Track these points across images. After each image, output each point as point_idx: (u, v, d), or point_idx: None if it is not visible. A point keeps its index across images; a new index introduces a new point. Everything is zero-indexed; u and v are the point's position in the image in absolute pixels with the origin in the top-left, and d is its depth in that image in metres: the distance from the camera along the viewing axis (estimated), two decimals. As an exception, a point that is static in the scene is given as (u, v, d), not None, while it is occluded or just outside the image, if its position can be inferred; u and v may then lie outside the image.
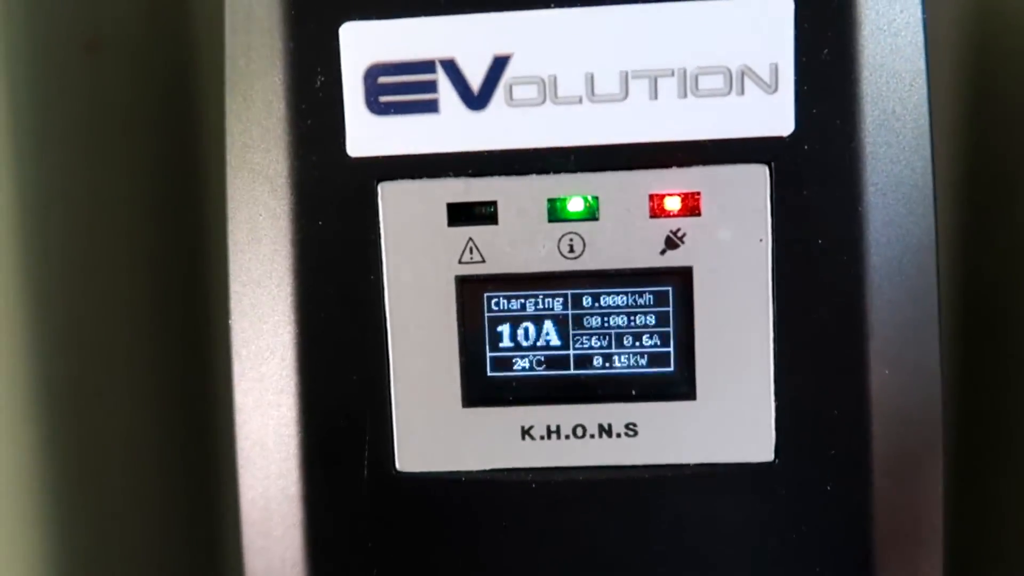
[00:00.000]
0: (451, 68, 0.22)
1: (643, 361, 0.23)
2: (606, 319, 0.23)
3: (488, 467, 0.23)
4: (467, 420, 0.23)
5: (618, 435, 0.23)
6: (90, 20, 0.32)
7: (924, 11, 0.22)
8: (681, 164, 0.22)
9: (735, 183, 0.22)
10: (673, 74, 0.22)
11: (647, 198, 0.22)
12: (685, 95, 0.22)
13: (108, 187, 0.33)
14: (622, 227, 0.22)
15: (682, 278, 0.23)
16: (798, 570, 0.23)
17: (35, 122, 0.29)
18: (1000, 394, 0.35)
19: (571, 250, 0.23)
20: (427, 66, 0.22)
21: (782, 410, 0.23)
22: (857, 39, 0.22)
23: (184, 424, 0.37)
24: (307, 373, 0.23)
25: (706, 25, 0.21)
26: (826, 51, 0.22)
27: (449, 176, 0.22)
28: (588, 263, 0.23)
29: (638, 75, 0.22)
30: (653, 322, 0.23)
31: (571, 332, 0.23)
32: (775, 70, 0.22)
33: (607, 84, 0.22)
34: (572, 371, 0.23)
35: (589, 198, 0.22)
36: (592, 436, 0.23)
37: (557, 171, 0.22)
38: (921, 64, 0.22)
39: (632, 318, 0.23)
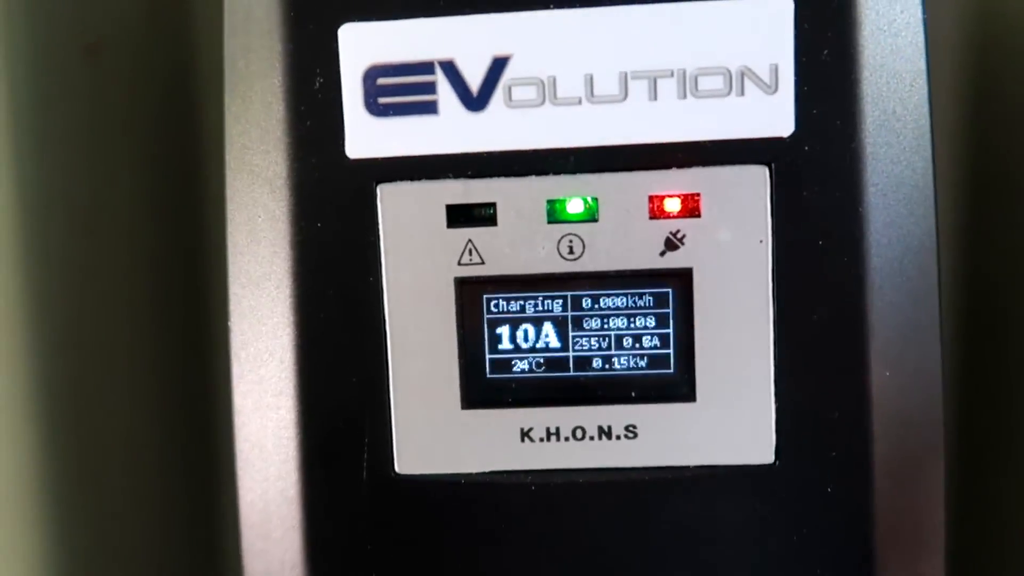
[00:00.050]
0: (450, 69, 0.22)
1: (643, 363, 0.23)
2: (606, 321, 0.23)
3: (487, 469, 0.23)
4: (466, 422, 0.23)
5: (618, 437, 0.23)
6: (90, 21, 0.32)
7: (925, 11, 0.22)
8: (681, 165, 0.22)
9: (735, 184, 0.22)
10: (673, 75, 0.22)
11: (647, 199, 0.22)
12: (685, 96, 0.22)
13: (108, 188, 0.33)
14: (622, 228, 0.22)
15: (682, 279, 0.23)
16: (799, 573, 0.23)
17: (35, 123, 0.29)
18: (1001, 395, 0.35)
19: (571, 251, 0.23)
20: (426, 67, 0.22)
21: (782, 412, 0.23)
22: (857, 39, 0.21)
23: (184, 426, 0.37)
24: (306, 375, 0.23)
25: (706, 26, 0.21)
26: (826, 51, 0.21)
27: (448, 177, 0.22)
28: (588, 264, 0.23)
29: (637, 76, 0.22)
30: (653, 324, 0.23)
31: (571, 334, 0.23)
32: (775, 71, 0.21)
33: (606, 85, 0.22)
34: (572, 373, 0.23)
35: (588, 199, 0.22)
36: (592, 438, 0.23)
37: (556, 172, 0.22)
38: (922, 64, 0.22)
39: (632, 320, 0.23)
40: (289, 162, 0.23)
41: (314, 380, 0.23)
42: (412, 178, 0.22)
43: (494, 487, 0.23)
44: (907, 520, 0.23)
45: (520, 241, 0.23)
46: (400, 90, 0.22)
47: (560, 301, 0.23)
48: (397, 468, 0.23)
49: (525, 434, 0.23)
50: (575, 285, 0.23)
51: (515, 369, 0.23)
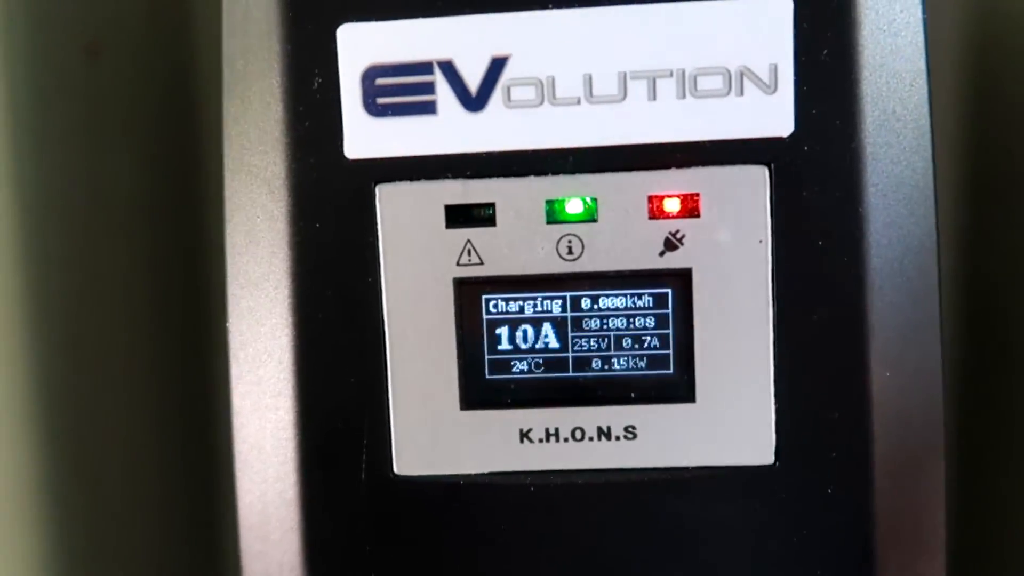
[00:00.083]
0: (449, 69, 0.22)
1: (642, 363, 0.23)
2: (605, 321, 0.23)
3: (486, 470, 0.23)
4: (465, 423, 0.23)
5: (617, 438, 0.23)
6: (90, 22, 0.32)
7: (924, 10, 0.22)
8: (680, 165, 0.22)
9: (734, 184, 0.22)
10: (672, 75, 0.22)
11: (646, 199, 0.22)
12: (684, 96, 0.22)
13: (107, 189, 0.33)
14: (621, 229, 0.22)
15: (681, 280, 0.22)
16: (799, 574, 0.23)
17: (35, 123, 0.29)
18: (1001, 395, 0.35)
19: (570, 252, 0.22)
20: (425, 67, 0.22)
21: (782, 412, 0.23)
22: (857, 39, 0.21)
23: (183, 427, 0.37)
24: (305, 376, 0.23)
25: (705, 25, 0.21)
26: (826, 51, 0.21)
27: (447, 178, 0.22)
28: (587, 265, 0.22)
29: (636, 76, 0.22)
30: (652, 324, 0.23)
31: (570, 334, 0.23)
32: (774, 70, 0.21)
33: (605, 85, 0.22)
34: (571, 373, 0.23)
35: (588, 199, 0.22)
36: (591, 439, 0.23)
37: (555, 172, 0.22)
38: (922, 64, 0.22)
39: (631, 320, 0.23)
40: (288, 162, 0.22)
41: (313, 381, 0.23)
42: (411, 178, 0.22)
43: (493, 488, 0.23)
44: (907, 521, 0.23)
45: (519, 241, 0.22)
46: (399, 90, 0.22)
47: (559, 301, 0.23)
48: (396, 469, 0.23)
49: (524, 435, 0.23)
50: (574, 285, 0.23)
51: (514, 370, 0.23)
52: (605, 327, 0.23)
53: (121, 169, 0.33)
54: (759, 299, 0.22)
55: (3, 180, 0.28)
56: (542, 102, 0.22)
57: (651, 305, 0.23)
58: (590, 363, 0.23)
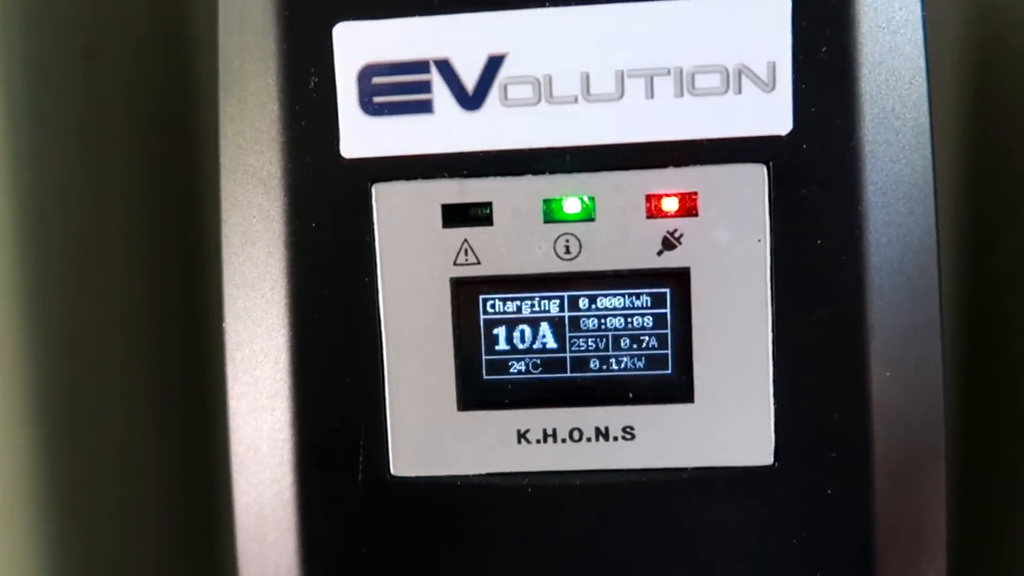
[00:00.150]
0: (445, 68, 0.22)
1: (640, 363, 0.23)
2: (603, 321, 0.23)
3: (484, 471, 0.23)
4: (462, 424, 0.23)
5: (615, 438, 0.23)
6: (88, 23, 0.32)
7: (924, 8, 0.22)
8: (678, 164, 0.22)
9: (733, 183, 0.22)
10: (669, 73, 0.21)
11: (644, 198, 0.22)
12: (681, 94, 0.21)
13: (105, 189, 0.33)
14: (619, 228, 0.22)
15: (680, 279, 0.22)
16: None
17: (33, 125, 0.29)
18: (1002, 395, 0.35)
19: (567, 251, 0.22)
20: (421, 66, 0.22)
21: (781, 413, 0.22)
22: (856, 37, 0.21)
23: (180, 428, 0.37)
24: (301, 376, 0.23)
25: (702, 23, 0.21)
26: (824, 49, 0.21)
27: (444, 177, 0.22)
28: (584, 264, 0.22)
29: (634, 74, 0.22)
30: (650, 324, 0.23)
31: (567, 334, 0.23)
32: (773, 68, 0.21)
33: (603, 83, 0.22)
34: (569, 374, 0.23)
35: (585, 199, 0.22)
36: (589, 439, 0.23)
37: (553, 171, 0.22)
38: (921, 62, 0.22)
39: (629, 320, 0.23)
40: (284, 162, 0.22)
41: (309, 382, 0.23)
42: (407, 178, 0.22)
43: (490, 489, 0.23)
44: (908, 521, 0.23)
45: (516, 241, 0.22)
46: (395, 89, 0.22)
47: (557, 301, 0.23)
48: (393, 470, 0.23)
49: (522, 436, 0.23)
50: (572, 285, 0.23)
51: (512, 370, 0.23)
52: (603, 327, 0.23)
53: (118, 169, 0.33)
54: (758, 298, 0.22)
55: (1, 181, 0.28)
56: (539, 101, 0.22)
57: (649, 305, 0.23)
58: (588, 363, 0.23)
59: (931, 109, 0.22)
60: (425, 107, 0.22)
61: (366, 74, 0.22)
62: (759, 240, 0.22)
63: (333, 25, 0.22)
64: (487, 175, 0.22)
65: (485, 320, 0.23)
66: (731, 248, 0.22)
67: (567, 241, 0.22)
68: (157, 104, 0.35)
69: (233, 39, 0.22)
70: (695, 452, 0.23)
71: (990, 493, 0.35)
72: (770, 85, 0.21)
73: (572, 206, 0.22)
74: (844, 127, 0.21)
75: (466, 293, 0.23)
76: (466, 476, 0.23)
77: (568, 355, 0.23)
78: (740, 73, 0.21)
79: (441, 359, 0.23)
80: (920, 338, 0.22)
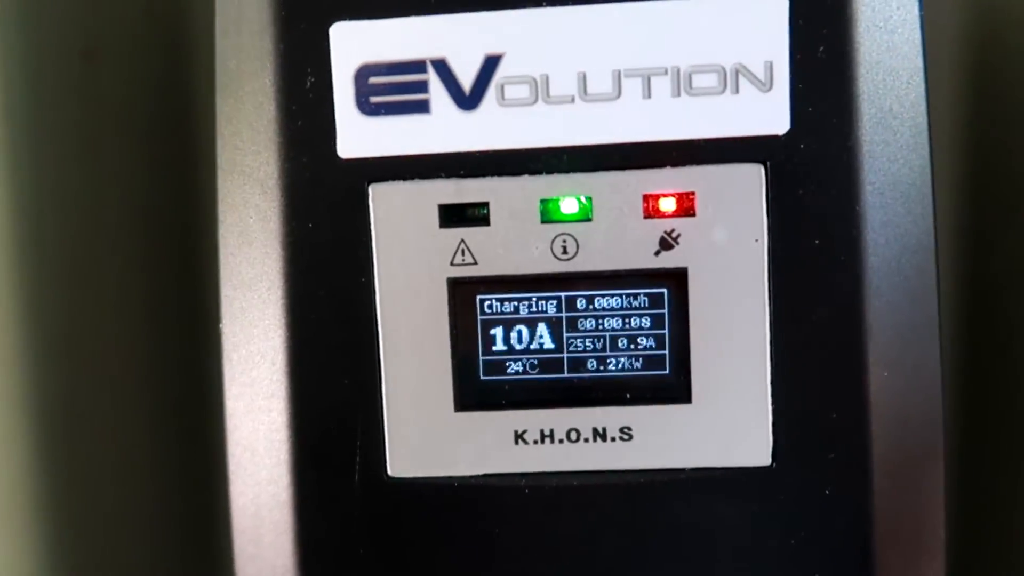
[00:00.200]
0: (442, 68, 0.22)
1: (638, 364, 0.23)
2: (600, 321, 0.23)
3: (481, 472, 0.23)
4: (459, 424, 0.23)
5: (613, 439, 0.23)
6: (86, 24, 0.32)
7: (922, 7, 0.21)
8: (675, 164, 0.22)
9: (730, 183, 0.22)
10: (666, 73, 0.21)
11: (641, 198, 0.22)
12: (679, 94, 0.21)
13: (102, 190, 0.33)
14: (616, 228, 0.22)
15: (677, 279, 0.22)
16: None
17: (31, 126, 0.29)
18: (1001, 395, 0.35)
19: (564, 251, 0.22)
20: (418, 66, 0.22)
21: (779, 413, 0.22)
22: (853, 36, 0.21)
23: (176, 428, 0.37)
24: (298, 377, 0.23)
25: (700, 23, 0.21)
26: (822, 48, 0.21)
27: (441, 177, 0.22)
28: (582, 264, 0.22)
29: (631, 74, 0.21)
30: (648, 324, 0.23)
31: (565, 335, 0.23)
32: (770, 68, 0.21)
33: (600, 83, 0.22)
34: (566, 374, 0.23)
35: (582, 199, 0.22)
36: (586, 440, 0.23)
37: (550, 171, 0.22)
38: (919, 61, 0.22)
39: (626, 320, 0.23)
40: (280, 162, 0.22)
41: (306, 382, 0.23)
42: (404, 178, 0.22)
43: (487, 490, 0.23)
44: (907, 522, 0.23)
45: (513, 241, 0.22)
46: (392, 89, 0.22)
47: (554, 302, 0.23)
48: (389, 471, 0.23)
49: (519, 436, 0.23)
50: (569, 285, 0.23)
51: (509, 371, 0.23)
52: (600, 327, 0.23)
53: (116, 170, 0.33)
54: (755, 299, 0.22)
55: (-2, 183, 0.28)
56: (536, 100, 0.22)
57: (646, 305, 0.23)
58: (585, 364, 0.23)
59: (929, 109, 0.22)
60: (422, 107, 0.22)
61: (363, 74, 0.22)
62: (757, 240, 0.22)
63: (330, 25, 0.22)
64: (484, 175, 0.22)
65: (482, 320, 0.23)
66: (729, 248, 0.22)
67: (564, 241, 0.22)
68: (155, 105, 0.35)
69: (230, 39, 0.22)
70: (693, 453, 0.23)
71: (989, 493, 0.35)
72: (767, 85, 0.21)
73: (569, 206, 0.22)
74: (842, 127, 0.21)
75: (463, 293, 0.23)
76: (463, 477, 0.23)
77: (565, 355, 0.23)
78: (737, 73, 0.21)
79: (438, 360, 0.23)
80: (918, 338, 0.22)
